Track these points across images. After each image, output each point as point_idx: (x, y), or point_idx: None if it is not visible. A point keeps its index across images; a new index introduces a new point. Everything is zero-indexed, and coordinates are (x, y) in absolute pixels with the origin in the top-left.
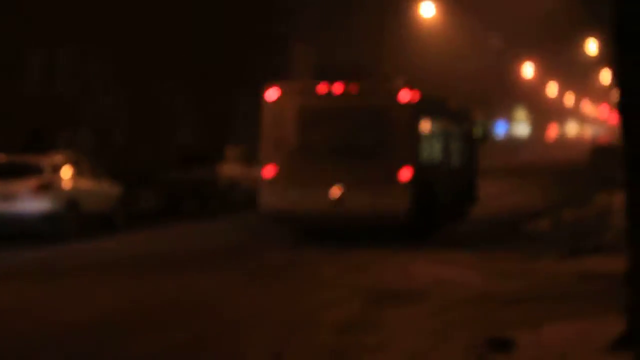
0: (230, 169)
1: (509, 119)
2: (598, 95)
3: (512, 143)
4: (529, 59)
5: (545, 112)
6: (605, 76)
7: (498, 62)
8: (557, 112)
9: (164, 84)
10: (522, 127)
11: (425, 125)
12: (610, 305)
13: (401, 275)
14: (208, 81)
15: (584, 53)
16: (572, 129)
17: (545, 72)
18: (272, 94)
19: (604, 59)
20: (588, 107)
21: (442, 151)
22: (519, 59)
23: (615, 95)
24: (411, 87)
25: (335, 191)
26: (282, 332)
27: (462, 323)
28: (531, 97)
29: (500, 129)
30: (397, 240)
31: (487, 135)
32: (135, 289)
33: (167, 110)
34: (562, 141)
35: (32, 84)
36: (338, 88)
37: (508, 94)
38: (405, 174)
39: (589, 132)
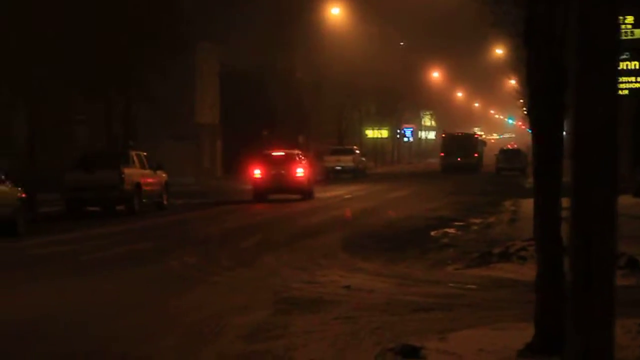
0: (134, 173)
1: (418, 125)
2: (506, 100)
3: (421, 148)
4: (437, 65)
5: (453, 118)
6: (512, 83)
7: (407, 65)
8: (464, 118)
9: (60, 83)
10: (431, 134)
11: (479, 142)
12: (518, 312)
13: (310, 283)
14: (107, 82)
15: (492, 59)
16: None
17: (454, 78)
18: (444, 134)
19: (511, 65)
20: (495, 113)
21: (480, 148)
22: (427, 64)
23: (523, 103)
24: (477, 132)
25: (458, 158)
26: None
27: (369, 331)
28: (439, 103)
29: (408, 135)
30: None
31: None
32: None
33: (65, 110)
34: None
35: None
36: (459, 133)
37: (416, 99)
38: (477, 154)
39: (496, 137)
